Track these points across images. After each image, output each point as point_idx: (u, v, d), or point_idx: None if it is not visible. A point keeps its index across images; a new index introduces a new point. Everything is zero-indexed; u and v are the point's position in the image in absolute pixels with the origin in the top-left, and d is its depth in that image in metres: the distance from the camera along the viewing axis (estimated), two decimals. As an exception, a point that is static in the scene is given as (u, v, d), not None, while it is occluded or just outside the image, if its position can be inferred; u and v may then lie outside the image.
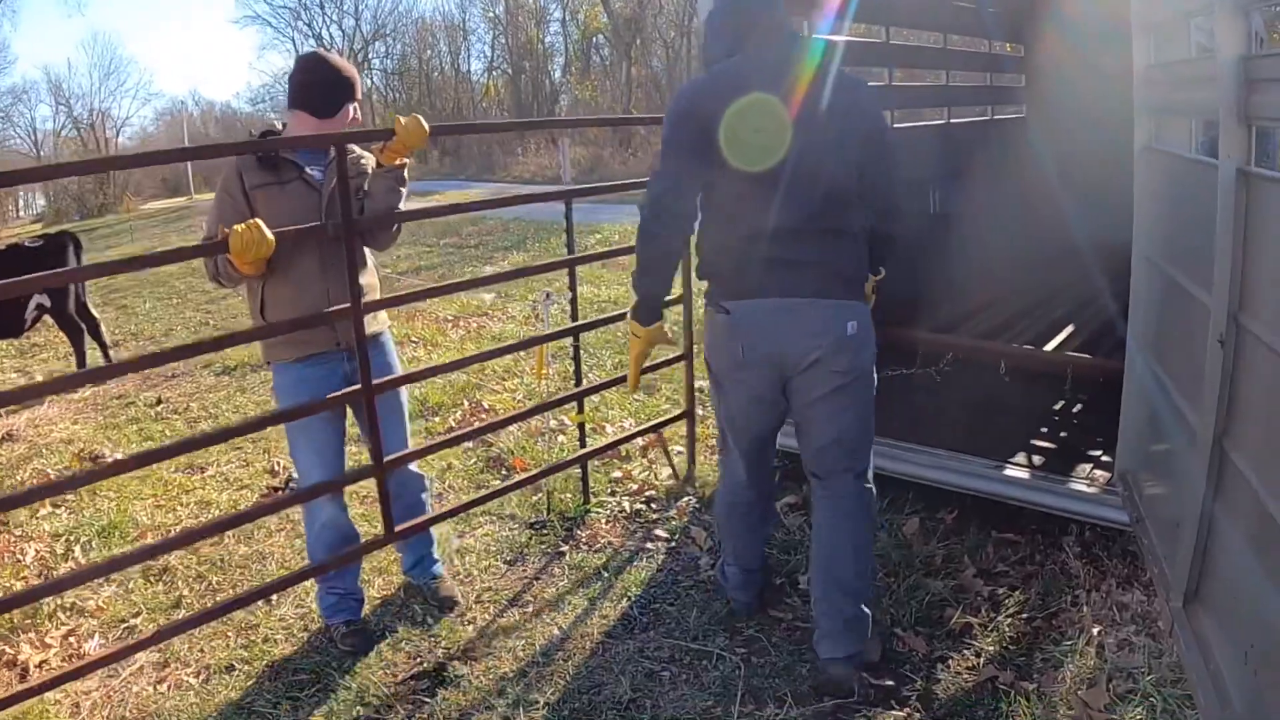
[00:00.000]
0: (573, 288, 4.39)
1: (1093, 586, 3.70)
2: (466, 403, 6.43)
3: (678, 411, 4.97)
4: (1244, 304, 2.53)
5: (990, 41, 7.81)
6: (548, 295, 4.46)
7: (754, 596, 3.68)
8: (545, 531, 4.45)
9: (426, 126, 3.29)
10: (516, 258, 12.76)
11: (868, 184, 3.05)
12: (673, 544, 4.31)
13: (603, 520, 4.54)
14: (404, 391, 3.80)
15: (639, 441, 5.14)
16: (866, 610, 3.24)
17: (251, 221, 3.00)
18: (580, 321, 4.50)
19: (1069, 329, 5.93)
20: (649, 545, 4.30)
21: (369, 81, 45.57)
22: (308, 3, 46.86)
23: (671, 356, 4.85)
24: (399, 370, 3.73)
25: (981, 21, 7.22)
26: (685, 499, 4.71)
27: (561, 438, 5.37)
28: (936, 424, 4.69)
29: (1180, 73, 3.16)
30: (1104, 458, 4.24)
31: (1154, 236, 3.51)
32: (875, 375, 3.21)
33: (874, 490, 3.32)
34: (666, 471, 4.98)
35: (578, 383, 4.54)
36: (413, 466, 3.85)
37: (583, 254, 4.48)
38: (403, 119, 3.27)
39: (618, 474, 5.00)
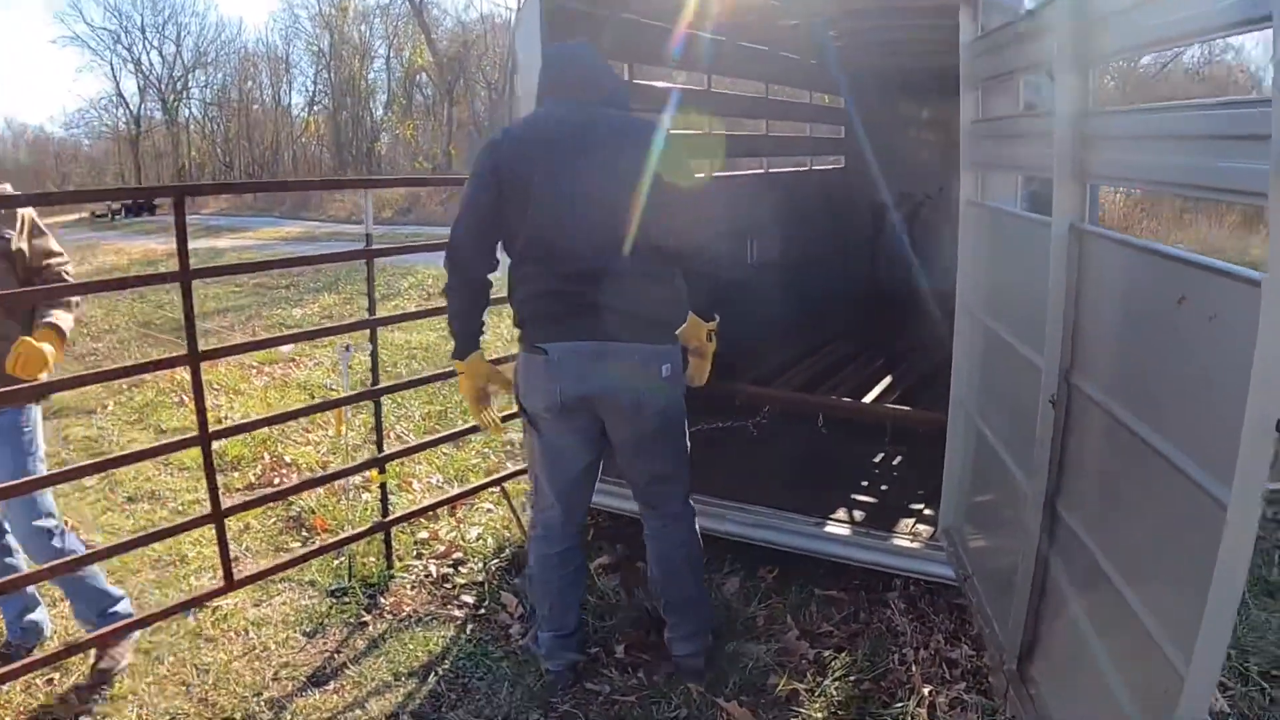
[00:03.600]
0: (374, 353, 4.09)
1: (920, 644, 3.60)
2: (267, 456, 5.97)
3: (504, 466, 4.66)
4: (1075, 363, 2.43)
5: (811, 93, 7.82)
6: (347, 348, 4.08)
7: (568, 666, 3.49)
8: (347, 600, 4.10)
9: (49, 355, 3.18)
10: (327, 299, 12.20)
11: (666, 229, 3.03)
12: (481, 611, 4.02)
13: (408, 586, 4.20)
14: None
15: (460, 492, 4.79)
16: (708, 608, 3.58)
17: None
18: (382, 385, 4.21)
19: (887, 379, 5.88)
20: (457, 613, 3.99)
21: (187, 111, 43.82)
22: (129, 26, 44.84)
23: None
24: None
25: (803, 73, 7.20)
26: (494, 561, 4.42)
27: (366, 495, 4.99)
28: (755, 479, 4.54)
29: (1010, 128, 3.09)
30: (926, 511, 4.16)
31: (977, 290, 3.43)
32: (684, 413, 3.35)
33: (693, 514, 3.49)
34: (474, 532, 4.69)
35: (379, 448, 4.20)
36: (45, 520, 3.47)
37: (384, 315, 4.19)
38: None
39: (424, 534, 4.67)
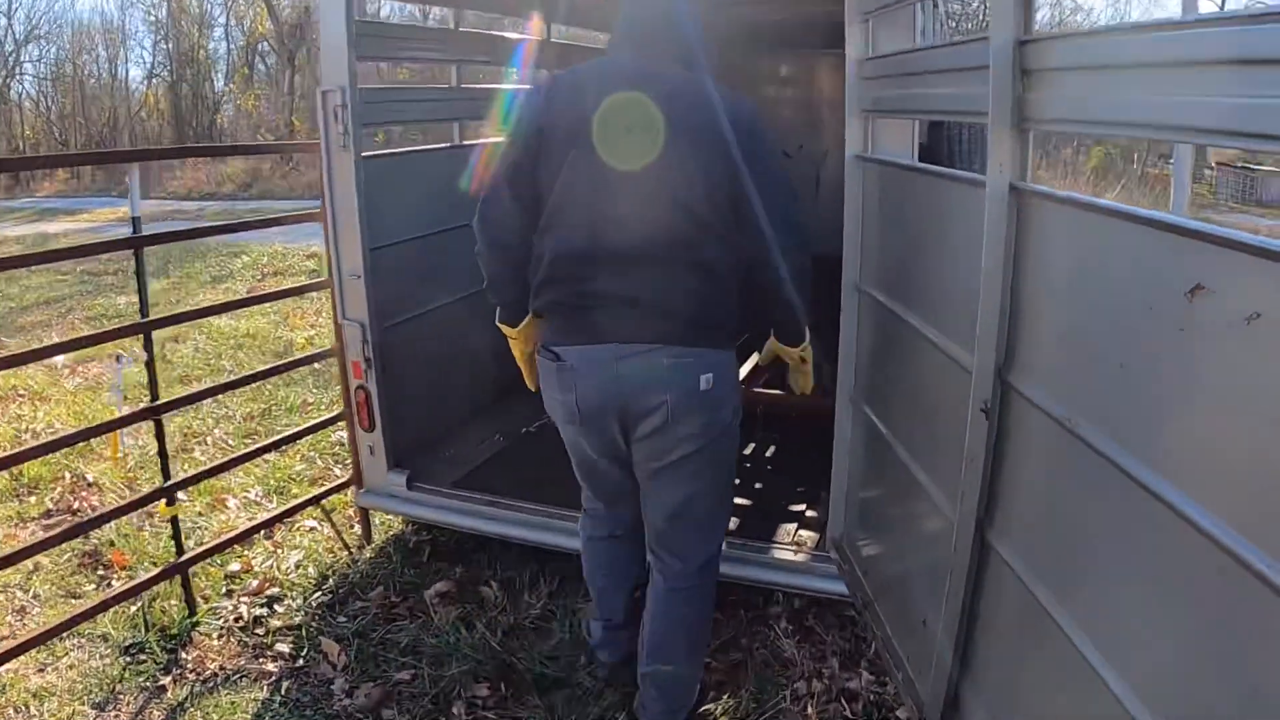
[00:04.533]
0: (150, 363, 3.33)
1: (813, 673, 3.14)
2: (68, 475, 5.08)
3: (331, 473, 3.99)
4: (1013, 360, 1.90)
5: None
6: (119, 358, 3.34)
7: (623, 660, 3.08)
8: (143, 658, 3.37)
9: None
10: (155, 285, 11.07)
11: (738, 218, 2.48)
12: (299, 663, 3.35)
13: (214, 636, 3.50)
14: None
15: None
16: (693, 688, 2.95)
17: None
18: (166, 399, 3.44)
19: (753, 357, 5.31)
20: (270, 667, 3.32)
21: (20, 87, 40.90)
22: (-42, -1, 41.39)
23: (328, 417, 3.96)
24: None
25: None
26: (315, 595, 3.75)
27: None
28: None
29: (920, 63, 2.49)
30: (809, 513, 3.66)
31: (871, 266, 2.90)
32: (736, 440, 2.74)
33: (714, 581, 2.87)
34: (294, 558, 3.99)
35: (165, 475, 3.46)
36: None
37: (164, 315, 3.45)
38: None
39: (236, 565, 3.93)
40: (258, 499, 4.68)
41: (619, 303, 2.46)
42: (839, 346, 3.10)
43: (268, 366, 4.01)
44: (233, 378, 4.44)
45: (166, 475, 3.40)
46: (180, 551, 3.49)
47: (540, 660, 3.27)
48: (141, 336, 3.25)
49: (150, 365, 3.28)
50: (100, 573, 3.99)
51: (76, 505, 4.66)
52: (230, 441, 5.50)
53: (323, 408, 6.03)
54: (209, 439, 5.47)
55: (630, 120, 2.41)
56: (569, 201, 2.47)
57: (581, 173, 2.43)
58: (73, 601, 3.73)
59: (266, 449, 3.95)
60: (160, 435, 3.38)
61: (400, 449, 3.98)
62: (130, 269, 12.07)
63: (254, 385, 5.93)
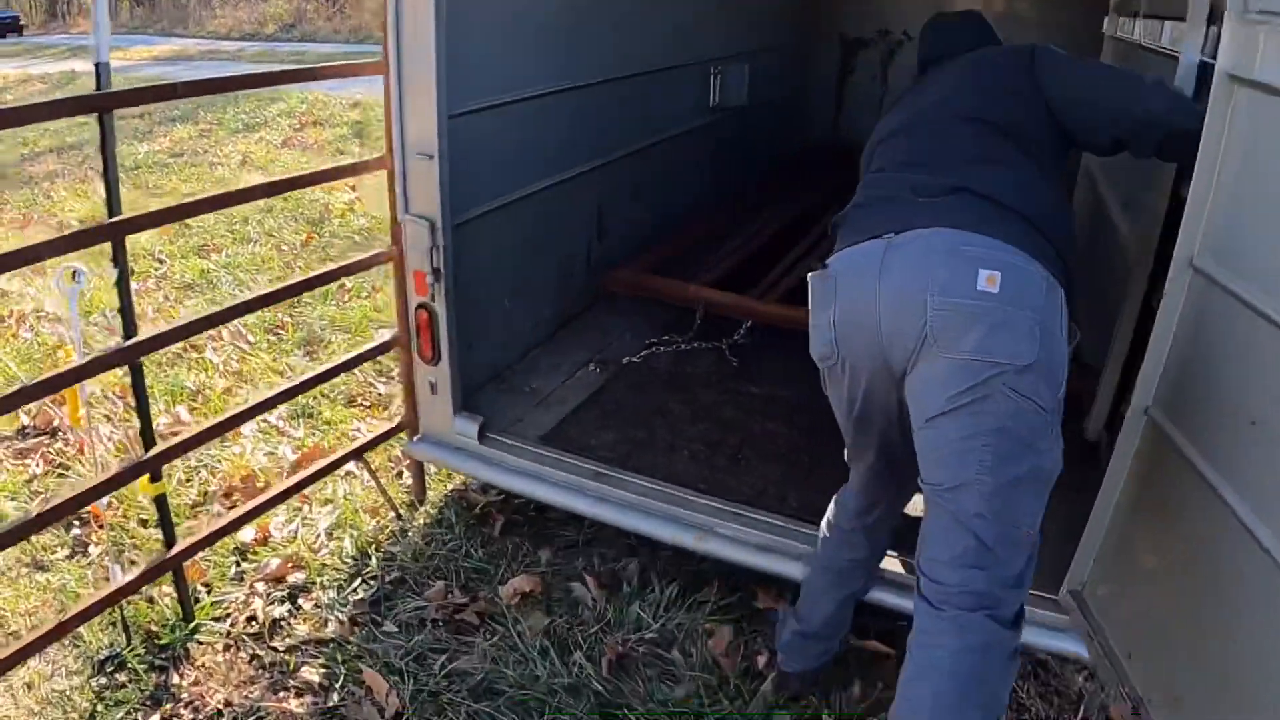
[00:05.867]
0: (122, 280, 2.24)
1: None
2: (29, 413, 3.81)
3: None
4: None
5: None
6: (75, 273, 2.26)
7: (801, 676, 2.39)
8: (124, 680, 2.43)
9: None
10: (181, 132, 9.95)
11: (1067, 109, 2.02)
12: (333, 700, 2.38)
13: (218, 648, 2.55)
14: None
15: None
16: None
17: None
18: (139, 337, 2.30)
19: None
20: (294, 706, 2.36)
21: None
22: None
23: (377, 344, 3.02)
24: None
25: None
26: (355, 586, 2.78)
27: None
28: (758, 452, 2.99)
29: None
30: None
31: (1220, 237, 1.78)
32: (1057, 411, 1.78)
33: (1017, 636, 1.78)
34: (324, 523, 3.02)
35: (146, 443, 2.41)
36: None
37: (135, 214, 2.21)
38: None
39: (250, 532, 2.95)
40: (280, 424, 3.70)
41: (912, 191, 1.97)
42: (1149, 344, 1.98)
43: (300, 279, 2.86)
44: (258, 248, 3.35)
45: (149, 442, 2.37)
46: (170, 541, 2.47)
47: (667, 714, 2.33)
48: (110, 245, 2.17)
49: (123, 284, 2.22)
50: (74, 531, 3.03)
51: (57, 422, 3.68)
52: (250, 339, 4.47)
53: (364, 294, 5.00)
54: (227, 351, 4.43)
55: (952, 71, 2.24)
56: (898, 121, 2.20)
57: (909, 103, 2.23)
58: (37, 577, 2.80)
59: (295, 391, 2.87)
60: (139, 388, 2.33)
61: (470, 384, 2.99)
62: (155, 113, 10.98)
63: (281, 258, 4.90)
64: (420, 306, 2.76)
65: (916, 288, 1.73)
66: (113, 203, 2.14)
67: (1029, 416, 1.70)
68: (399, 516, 3.05)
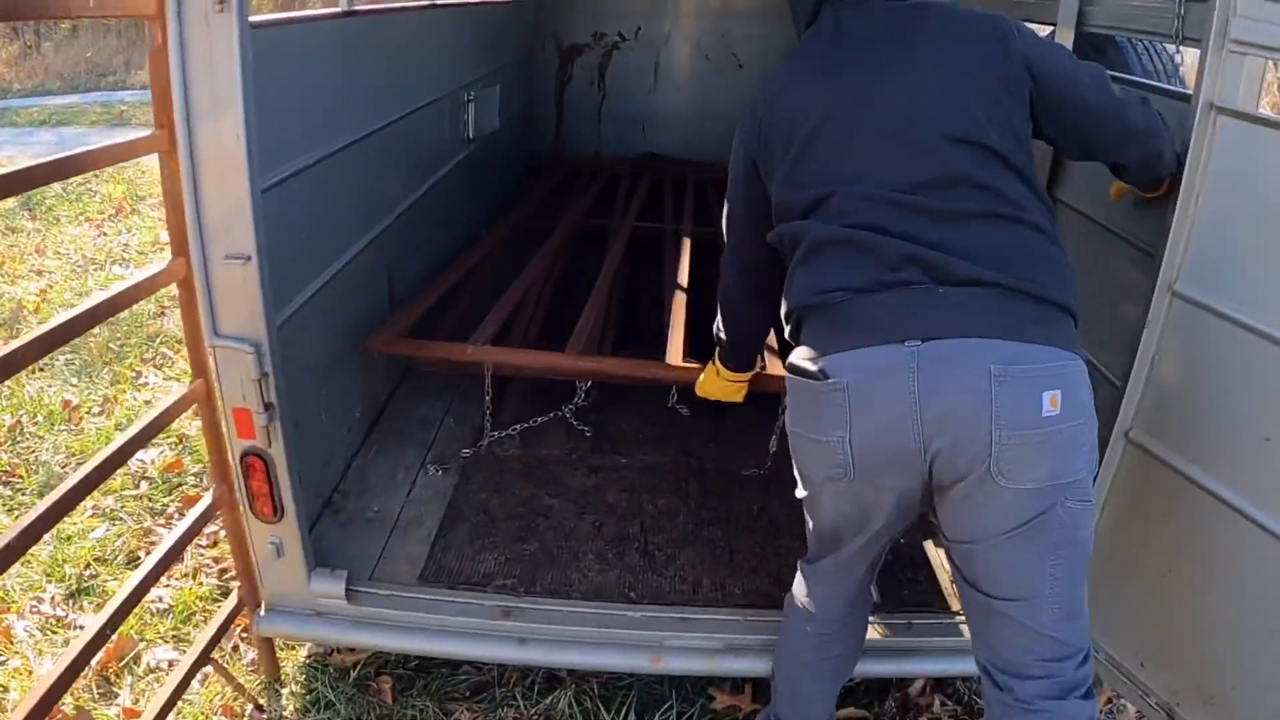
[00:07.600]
0: None
1: None
2: None
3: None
4: None
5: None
6: None
7: None
8: None
9: None
10: None
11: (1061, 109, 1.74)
12: None
13: None
14: None
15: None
16: None
17: None
18: None
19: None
20: None
21: None
22: None
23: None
24: None
25: None
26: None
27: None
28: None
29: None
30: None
31: (1202, 260, 1.92)
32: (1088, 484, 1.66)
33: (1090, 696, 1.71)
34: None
35: None
36: None
37: None
38: None
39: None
40: (56, 612, 2.84)
41: (923, 269, 1.68)
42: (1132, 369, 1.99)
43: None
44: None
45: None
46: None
47: None
48: None
49: None
50: None
51: None
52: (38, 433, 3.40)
53: (95, 411, 4.00)
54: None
55: (885, 66, 1.82)
56: (827, 161, 1.83)
57: (838, 128, 1.82)
58: None
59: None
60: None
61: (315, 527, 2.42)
62: None
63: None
64: (249, 453, 2.14)
65: (973, 418, 1.54)
66: None
67: (1083, 516, 1.64)
68: (260, 709, 2.40)
